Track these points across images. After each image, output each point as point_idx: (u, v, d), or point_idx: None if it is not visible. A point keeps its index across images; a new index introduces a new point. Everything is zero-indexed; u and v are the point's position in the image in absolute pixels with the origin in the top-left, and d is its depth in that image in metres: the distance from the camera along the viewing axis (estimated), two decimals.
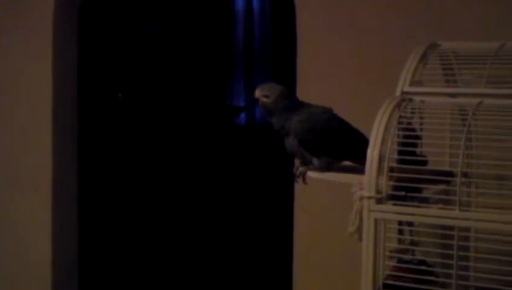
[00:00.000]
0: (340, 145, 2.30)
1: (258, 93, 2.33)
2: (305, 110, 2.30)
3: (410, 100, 2.19)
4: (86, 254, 4.14)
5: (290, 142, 2.30)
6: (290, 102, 2.32)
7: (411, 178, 2.07)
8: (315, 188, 2.57)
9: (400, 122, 2.12)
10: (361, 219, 2.10)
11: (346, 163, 2.35)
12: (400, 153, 2.12)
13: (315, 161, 2.30)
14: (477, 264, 2.10)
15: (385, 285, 2.10)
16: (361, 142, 2.25)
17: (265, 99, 2.32)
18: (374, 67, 3.13)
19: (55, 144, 3.85)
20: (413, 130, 2.19)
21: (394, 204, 2.06)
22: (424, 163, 2.22)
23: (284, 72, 3.64)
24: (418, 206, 2.06)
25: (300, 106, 2.33)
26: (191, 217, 4.15)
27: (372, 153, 2.06)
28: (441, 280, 2.10)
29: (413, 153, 2.17)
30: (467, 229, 2.12)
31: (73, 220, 4.06)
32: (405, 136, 2.15)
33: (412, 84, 2.23)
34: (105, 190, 4.20)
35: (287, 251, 3.49)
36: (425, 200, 2.11)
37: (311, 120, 2.27)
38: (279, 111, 2.30)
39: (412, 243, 2.20)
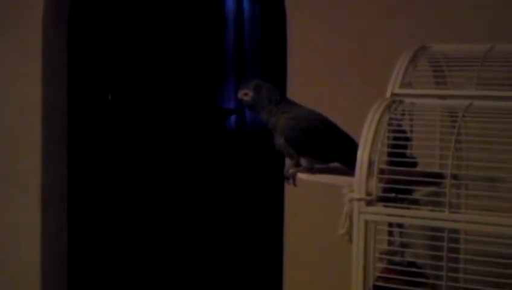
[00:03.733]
0: (326, 146, 2.31)
1: (239, 94, 2.37)
2: (294, 110, 2.32)
3: (400, 102, 2.19)
4: (75, 255, 4.12)
5: (277, 140, 2.32)
6: (270, 93, 2.34)
7: (401, 180, 2.07)
8: (305, 190, 2.57)
9: (390, 124, 2.12)
10: (351, 221, 2.10)
11: (336, 165, 2.36)
12: (390, 154, 2.13)
13: (303, 161, 2.32)
14: (467, 266, 2.10)
15: (375, 287, 2.10)
16: (350, 145, 2.27)
17: (246, 98, 2.36)
18: (364, 69, 3.14)
19: (45, 145, 3.84)
20: (403, 132, 2.20)
21: (384, 206, 2.06)
22: (414, 165, 2.22)
23: (275, 73, 3.64)
24: (408, 208, 2.06)
25: (291, 106, 2.34)
26: (181, 219, 4.15)
27: (362, 155, 2.06)
28: (431, 281, 2.10)
29: (403, 155, 2.18)
30: (457, 231, 2.12)
31: (62, 222, 4.04)
32: (395, 138, 2.15)
33: (402, 86, 2.24)
34: (95, 191, 4.19)
35: (277, 253, 3.48)
36: (415, 202, 2.11)
37: (296, 118, 2.29)
38: (262, 105, 2.33)
39: (402, 244, 2.20)
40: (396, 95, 2.22)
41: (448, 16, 3.01)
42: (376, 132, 2.08)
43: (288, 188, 3.04)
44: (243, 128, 4.32)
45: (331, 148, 2.33)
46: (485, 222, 1.95)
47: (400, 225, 2.18)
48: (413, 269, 2.14)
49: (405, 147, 2.20)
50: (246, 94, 2.37)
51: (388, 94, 2.23)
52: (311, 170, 2.32)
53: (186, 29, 4.11)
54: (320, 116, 2.35)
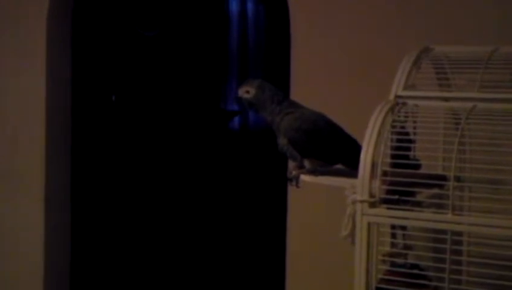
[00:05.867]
0: (329, 147, 2.31)
1: (239, 91, 2.37)
2: (298, 110, 2.32)
3: (404, 104, 2.19)
4: (78, 254, 4.13)
5: (281, 141, 2.32)
6: (273, 93, 2.35)
7: (404, 182, 2.07)
8: (308, 192, 2.57)
9: (393, 126, 2.12)
10: (354, 223, 2.10)
11: (339, 167, 2.36)
12: (393, 156, 2.13)
13: (306, 163, 2.31)
14: (469, 268, 2.10)
15: (378, 289, 2.10)
16: (353, 147, 2.27)
17: (246, 95, 2.36)
18: (367, 70, 3.14)
19: (48, 145, 3.85)
20: (407, 134, 2.20)
21: (387, 208, 2.06)
22: (417, 167, 2.22)
23: (278, 75, 3.64)
24: (411, 210, 2.06)
25: (294, 107, 2.34)
26: (185, 220, 4.15)
27: (365, 157, 2.06)
28: (433, 283, 2.10)
29: (407, 157, 2.18)
30: (460, 233, 2.12)
31: (65, 222, 4.05)
32: (398, 140, 2.15)
33: (405, 88, 2.24)
34: (98, 191, 4.19)
35: (280, 255, 3.48)
36: (418, 204, 2.11)
37: (299, 119, 2.29)
38: (265, 104, 2.34)
39: (405, 247, 2.20)
40: (399, 97, 2.22)
41: (451, 17, 3.01)
42: (379, 133, 2.08)
43: (292, 189, 3.04)
44: (246, 129, 4.32)
45: (335, 149, 2.33)
46: (488, 224, 1.94)
47: (403, 227, 2.18)
48: (416, 271, 2.14)
49: (408, 149, 2.20)
50: (247, 92, 2.37)
51: (391, 96, 2.23)
52: (314, 172, 2.32)
53: (189, 30, 4.11)
54: (323, 117, 2.35)
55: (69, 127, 4.04)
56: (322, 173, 2.32)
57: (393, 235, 2.21)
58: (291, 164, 2.44)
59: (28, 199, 3.86)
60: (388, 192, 2.07)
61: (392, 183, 2.07)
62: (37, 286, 3.87)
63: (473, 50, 2.30)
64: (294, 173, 2.37)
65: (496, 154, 2.00)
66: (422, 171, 2.21)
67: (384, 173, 2.06)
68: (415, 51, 2.34)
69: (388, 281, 2.11)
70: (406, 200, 2.08)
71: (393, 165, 2.10)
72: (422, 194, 2.17)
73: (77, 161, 4.10)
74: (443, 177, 2.12)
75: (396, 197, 2.07)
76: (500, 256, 1.98)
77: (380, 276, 2.12)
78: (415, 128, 2.22)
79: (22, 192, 3.87)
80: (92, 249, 4.19)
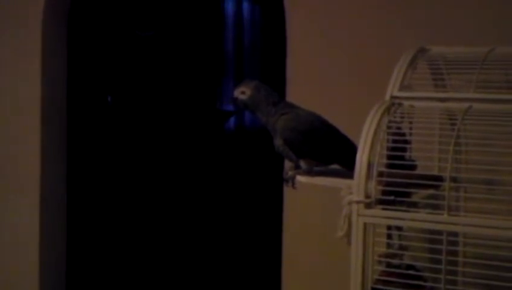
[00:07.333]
0: (325, 148, 2.31)
1: (235, 92, 2.37)
2: (293, 111, 2.32)
3: (400, 105, 2.19)
4: (74, 255, 4.12)
5: (277, 141, 2.32)
6: (268, 94, 2.35)
7: (400, 183, 2.07)
8: (304, 193, 2.57)
9: (389, 127, 2.12)
10: (350, 223, 2.10)
11: (335, 167, 2.36)
12: (389, 157, 2.13)
13: (302, 163, 2.31)
14: (465, 269, 2.10)
15: (374, 289, 2.10)
16: (348, 147, 2.27)
17: (242, 96, 2.36)
18: (363, 71, 3.14)
19: (44, 146, 3.84)
20: (403, 134, 2.20)
21: (383, 209, 2.06)
22: (413, 167, 2.22)
23: (274, 76, 3.64)
24: (406, 211, 2.06)
25: (290, 108, 2.34)
26: (181, 221, 4.14)
27: (361, 158, 2.06)
28: (429, 284, 2.10)
29: (402, 158, 2.18)
30: (455, 234, 2.13)
31: (61, 222, 4.04)
32: (394, 141, 2.15)
33: (401, 88, 2.24)
34: (94, 192, 4.19)
35: (275, 256, 3.48)
36: (414, 205, 2.11)
37: (295, 120, 2.29)
38: (260, 105, 2.33)
39: (401, 247, 2.20)
40: (395, 97, 2.22)
41: (447, 18, 3.01)
42: (375, 134, 2.08)
43: (288, 190, 3.04)
44: (242, 130, 4.31)
45: (330, 150, 2.33)
46: (483, 225, 1.94)
47: (399, 228, 2.18)
48: (412, 272, 2.14)
49: (404, 149, 2.20)
50: (243, 92, 2.37)
51: (387, 97, 2.23)
52: (310, 172, 2.32)
53: (185, 31, 4.11)
54: (319, 118, 2.35)
55: (64, 127, 4.03)
56: (318, 174, 2.32)
57: (389, 236, 2.21)
58: (287, 165, 2.44)
59: (24, 199, 3.85)
60: (384, 193, 2.07)
61: (388, 184, 2.07)
62: (33, 286, 3.86)
63: (469, 51, 2.30)
64: (290, 173, 2.37)
65: (491, 154, 2.00)
66: (418, 171, 2.21)
67: (380, 174, 2.06)
68: (411, 51, 2.34)
69: (384, 282, 2.11)
70: (401, 200, 2.08)
71: (389, 166, 2.10)
72: (418, 195, 2.17)
73: (73, 161, 4.09)
74: (439, 178, 2.12)
75: (392, 197, 2.07)
76: (495, 257, 1.98)
77: (376, 277, 2.12)
78: (410, 129, 2.22)
79: (18, 192, 3.87)
80: (88, 249, 4.19)
